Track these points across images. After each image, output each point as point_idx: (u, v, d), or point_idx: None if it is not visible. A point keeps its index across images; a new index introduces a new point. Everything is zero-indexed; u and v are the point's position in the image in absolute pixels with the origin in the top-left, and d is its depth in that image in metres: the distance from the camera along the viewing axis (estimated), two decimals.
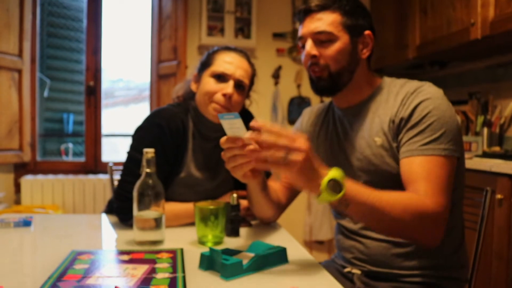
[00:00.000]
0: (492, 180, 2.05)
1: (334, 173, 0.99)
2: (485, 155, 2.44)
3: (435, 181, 1.09)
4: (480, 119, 2.80)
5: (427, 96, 1.17)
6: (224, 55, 1.45)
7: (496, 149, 2.59)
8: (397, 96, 1.24)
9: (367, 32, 1.29)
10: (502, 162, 2.07)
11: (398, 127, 1.20)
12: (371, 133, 1.25)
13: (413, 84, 1.24)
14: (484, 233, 1.38)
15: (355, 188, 1.02)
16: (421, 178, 1.10)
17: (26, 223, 1.37)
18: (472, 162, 2.20)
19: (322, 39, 1.24)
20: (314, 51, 1.24)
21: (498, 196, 2.01)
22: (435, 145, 1.12)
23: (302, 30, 1.28)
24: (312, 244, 3.75)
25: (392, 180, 1.20)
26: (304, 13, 1.28)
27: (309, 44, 1.25)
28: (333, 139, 1.37)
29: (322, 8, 1.25)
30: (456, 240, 1.26)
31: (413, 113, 1.17)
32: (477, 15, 2.41)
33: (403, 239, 1.17)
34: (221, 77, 1.42)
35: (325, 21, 1.24)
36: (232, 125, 1.03)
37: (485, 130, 2.70)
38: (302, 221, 3.74)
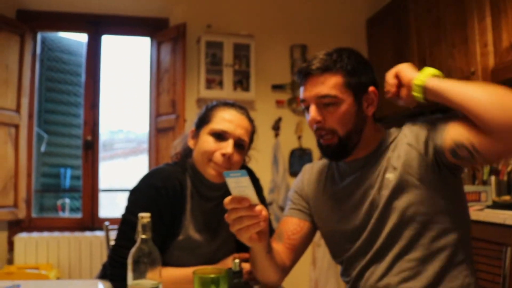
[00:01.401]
0: (507, 232, 1.96)
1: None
2: (495, 205, 2.37)
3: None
4: (487, 168, 2.74)
5: (408, 123, 1.25)
6: (223, 112, 1.39)
7: (506, 198, 2.51)
8: (401, 140, 1.24)
9: (371, 88, 1.26)
10: None
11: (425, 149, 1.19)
12: (381, 174, 1.22)
13: (411, 124, 1.27)
14: None
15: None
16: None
17: None
18: (484, 214, 2.13)
19: (326, 102, 1.20)
20: (318, 117, 1.21)
21: None
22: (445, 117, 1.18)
23: (304, 93, 1.24)
24: None
25: (404, 226, 1.18)
26: (304, 75, 1.24)
27: (313, 110, 1.21)
28: (340, 193, 1.32)
29: (323, 70, 1.21)
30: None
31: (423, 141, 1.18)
32: (477, 64, 2.40)
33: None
34: (220, 136, 1.36)
35: (328, 84, 1.20)
36: (238, 184, 0.98)
37: (493, 178, 2.63)
38: (307, 276, 3.60)
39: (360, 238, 1.24)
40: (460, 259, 1.18)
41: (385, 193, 1.19)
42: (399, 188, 1.18)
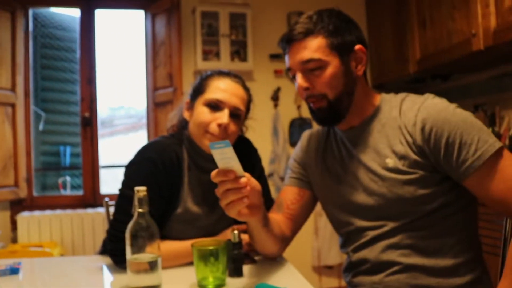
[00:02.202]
0: None
1: None
2: None
3: None
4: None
5: (436, 112, 1.11)
6: (217, 81, 1.36)
7: None
8: (402, 114, 1.17)
9: (357, 47, 1.20)
10: None
11: (422, 152, 1.12)
12: (381, 154, 1.18)
13: (416, 99, 1.18)
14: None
15: None
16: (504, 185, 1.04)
17: (14, 271, 1.27)
18: None
19: (311, 67, 1.17)
20: (306, 84, 1.18)
21: None
22: (483, 147, 1.05)
23: (289, 61, 1.21)
24: (321, 269, 3.63)
25: (403, 202, 1.14)
26: (287, 43, 1.20)
27: (299, 77, 1.18)
28: (336, 164, 1.29)
29: (304, 35, 1.17)
30: (477, 268, 1.16)
31: (438, 136, 1.09)
32: (478, 26, 2.34)
33: None
34: (215, 106, 1.32)
35: (310, 48, 1.16)
36: (223, 155, 0.96)
37: None
38: (309, 246, 3.62)
39: (360, 213, 1.22)
40: (464, 235, 1.16)
41: (386, 173, 1.16)
42: (398, 172, 1.14)
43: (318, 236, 3.60)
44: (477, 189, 1.08)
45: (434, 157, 1.11)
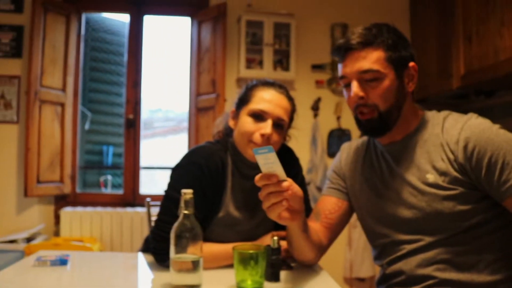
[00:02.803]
0: None
1: None
2: None
3: None
4: None
5: (483, 134, 1.12)
6: (262, 92, 1.39)
7: None
8: (444, 132, 1.19)
9: (411, 64, 1.23)
10: None
11: (463, 169, 1.13)
12: (421, 169, 1.19)
13: (459, 118, 1.20)
14: None
15: None
16: None
17: (63, 262, 1.34)
18: None
19: (368, 78, 1.18)
20: (361, 93, 1.18)
21: None
22: None
23: (344, 69, 1.22)
24: (352, 281, 3.60)
25: (441, 218, 1.14)
26: (345, 51, 1.21)
27: (355, 85, 1.19)
28: (376, 177, 1.31)
29: (364, 44, 1.18)
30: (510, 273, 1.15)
31: (480, 155, 1.11)
32: None
33: None
34: (259, 116, 1.36)
35: (370, 59, 1.17)
36: (267, 160, 1.00)
37: None
38: (342, 257, 3.60)
39: (397, 226, 1.23)
40: (502, 253, 1.16)
41: (426, 188, 1.17)
42: (438, 187, 1.16)
43: (351, 248, 3.58)
44: None
45: (475, 175, 1.12)
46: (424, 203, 1.17)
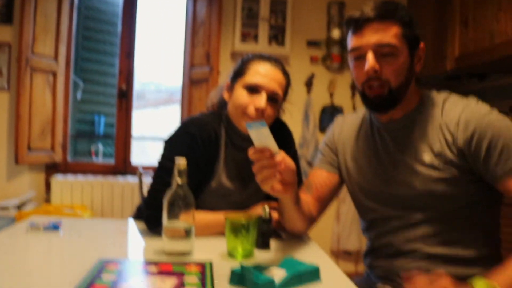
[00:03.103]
0: None
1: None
2: None
3: None
4: None
5: (484, 118, 1.13)
6: (258, 65, 1.39)
7: None
8: (445, 113, 1.18)
9: (421, 44, 1.22)
10: None
11: (461, 153, 1.14)
12: (418, 149, 1.20)
13: (459, 101, 1.19)
14: None
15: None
16: None
17: (55, 228, 1.36)
18: None
19: (385, 52, 1.15)
20: (377, 66, 1.15)
21: None
22: None
23: (359, 40, 1.17)
24: (339, 254, 3.68)
25: (433, 197, 1.16)
26: (363, 21, 1.16)
27: (371, 58, 1.15)
28: (372, 152, 1.31)
29: (382, 17, 1.14)
30: (495, 259, 1.19)
31: (480, 139, 1.11)
32: None
33: None
34: (254, 89, 1.36)
35: (389, 32, 1.14)
36: (260, 135, 1.01)
37: None
38: (330, 230, 3.67)
39: (388, 202, 1.25)
40: (487, 230, 1.20)
41: (421, 168, 1.18)
42: (433, 168, 1.17)
43: (339, 222, 3.64)
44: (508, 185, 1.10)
45: (473, 158, 1.13)
46: (418, 182, 1.18)
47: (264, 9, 3.44)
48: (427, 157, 1.17)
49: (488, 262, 1.17)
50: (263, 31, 3.45)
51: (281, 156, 1.06)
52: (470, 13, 2.82)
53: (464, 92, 1.24)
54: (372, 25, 1.15)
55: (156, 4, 4.00)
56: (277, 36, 3.55)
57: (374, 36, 1.15)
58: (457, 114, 1.16)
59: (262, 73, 1.37)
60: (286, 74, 1.44)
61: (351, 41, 1.20)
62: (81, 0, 3.66)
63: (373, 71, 1.15)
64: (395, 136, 1.26)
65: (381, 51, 1.15)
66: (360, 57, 1.18)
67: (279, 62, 1.44)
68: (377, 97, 1.18)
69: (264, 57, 1.43)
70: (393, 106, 1.20)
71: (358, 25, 1.17)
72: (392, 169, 1.24)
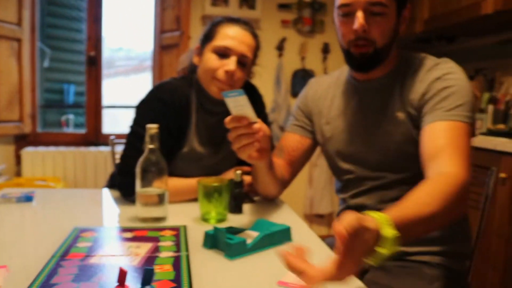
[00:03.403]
0: (496, 158, 2.04)
1: (386, 242, 0.92)
2: (490, 132, 2.42)
3: (462, 150, 1.04)
4: (486, 96, 2.77)
5: (448, 70, 1.15)
6: (227, 29, 1.39)
7: (501, 126, 2.56)
8: (416, 73, 1.20)
9: (408, 6, 1.21)
10: (507, 141, 2.04)
11: (420, 103, 1.16)
12: (393, 109, 1.21)
13: (432, 60, 1.21)
14: (488, 212, 1.38)
15: (404, 224, 0.93)
16: (447, 147, 1.04)
17: (28, 199, 1.35)
18: (477, 140, 2.18)
19: (376, 11, 1.13)
20: (366, 25, 1.13)
21: (502, 175, 2.00)
22: (459, 111, 1.09)
23: None
24: (312, 218, 3.77)
25: (405, 159, 1.19)
26: None
27: (361, 16, 1.12)
28: (348, 113, 1.31)
29: None
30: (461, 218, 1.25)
31: (435, 85, 1.14)
32: None
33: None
34: (223, 53, 1.36)
35: None
36: (237, 103, 1.01)
37: (491, 107, 2.66)
38: (303, 194, 3.74)
39: (362, 163, 1.27)
40: None
41: (394, 128, 1.20)
42: (405, 128, 1.19)
43: (311, 186, 3.71)
44: (425, 134, 1.11)
45: (427, 96, 1.15)
46: (391, 143, 1.20)
47: None
48: (401, 116, 1.19)
49: (459, 222, 1.23)
50: None
51: (259, 124, 1.06)
52: None
53: (433, 54, 1.26)
54: None
55: None
56: None
57: None
58: (425, 71, 1.18)
59: (231, 36, 1.37)
60: (255, 37, 1.44)
61: None
62: None
63: (362, 30, 1.14)
64: (371, 96, 1.26)
65: (372, 10, 1.13)
66: (349, 14, 1.16)
67: (248, 25, 1.43)
68: (362, 55, 1.18)
69: (233, 20, 1.42)
70: (376, 66, 1.21)
71: None
72: (369, 130, 1.25)
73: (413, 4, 3.08)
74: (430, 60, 1.22)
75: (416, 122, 1.17)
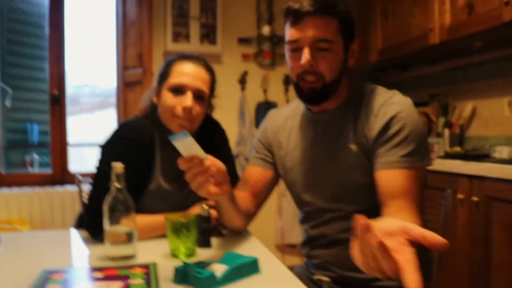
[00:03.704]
0: (453, 180, 2.13)
1: None
2: (447, 156, 2.53)
3: (414, 199, 1.13)
4: (441, 120, 2.90)
5: (400, 108, 1.19)
6: (180, 66, 1.43)
7: (457, 149, 2.68)
8: (369, 106, 1.24)
9: (357, 40, 1.27)
10: (462, 163, 2.14)
11: (375, 141, 1.20)
12: (346, 141, 1.25)
13: (383, 93, 1.25)
14: (448, 232, 1.44)
15: None
16: (403, 196, 1.12)
17: None
18: (435, 163, 2.27)
19: (322, 47, 1.18)
20: (313, 60, 1.18)
21: (459, 196, 2.09)
22: (412, 157, 1.15)
23: (297, 33, 1.19)
24: (284, 248, 3.79)
25: (360, 189, 1.24)
26: (302, 14, 1.17)
27: (307, 52, 1.18)
28: (305, 144, 1.36)
29: (324, 12, 1.17)
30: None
31: (388, 126, 1.18)
32: (434, 21, 2.50)
33: None
34: (178, 90, 1.40)
35: (327, 27, 1.17)
36: (185, 144, 1.04)
37: (446, 131, 2.80)
38: (273, 225, 3.77)
39: (320, 195, 1.32)
40: None
41: (347, 158, 1.24)
42: (358, 160, 1.23)
43: (281, 216, 3.74)
44: (380, 177, 1.18)
45: (378, 145, 1.20)
46: (344, 173, 1.25)
47: (194, 8, 3.48)
48: (354, 147, 1.23)
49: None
50: (194, 30, 3.49)
51: (210, 160, 1.10)
52: (389, 7, 3.00)
53: (389, 82, 1.33)
54: (311, 19, 1.17)
55: (84, 4, 3.91)
56: (208, 34, 3.59)
57: (313, 30, 1.17)
58: (378, 105, 1.22)
59: (185, 73, 1.41)
60: (210, 70, 1.47)
61: (289, 33, 1.22)
62: (3, 1, 3.51)
63: (309, 65, 1.18)
64: (326, 127, 1.31)
65: (318, 46, 1.18)
66: (297, 49, 1.21)
67: (201, 59, 1.47)
68: (311, 90, 1.22)
69: (186, 57, 1.46)
70: (325, 99, 1.25)
71: (297, 17, 1.18)
72: (324, 162, 1.30)
73: (368, 35, 3.24)
74: (381, 92, 1.26)
75: (368, 155, 1.22)
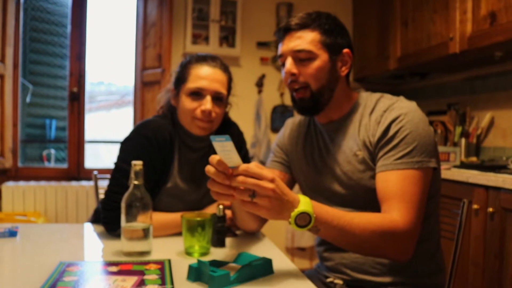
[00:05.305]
0: (469, 190, 2.12)
1: (302, 205, 1.00)
2: (462, 165, 2.51)
3: (408, 199, 1.14)
4: (458, 129, 2.88)
5: (400, 112, 1.22)
6: (197, 70, 1.44)
7: (473, 159, 2.66)
8: (373, 113, 1.29)
9: (345, 50, 1.32)
10: (478, 174, 2.13)
11: (376, 146, 1.24)
12: (353, 148, 1.29)
13: (386, 100, 1.29)
14: (461, 242, 1.44)
15: (325, 215, 1.04)
16: (395, 195, 1.14)
17: (12, 234, 1.37)
18: (450, 173, 2.26)
19: (302, 57, 1.27)
20: (294, 69, 1.27)
21: (475, 206, 2.08)
22: (408, 158, 1.17)
23: (281, 48, 1.31)
24: (294, 251, 3.79)
25: (370, 194, 1.25)
26: (284, 31, 1.30)
27: (289, 62, 1.27)
28: (315, 153, 1.41)
29: (301, 26, 1.27)
30: (432, 246, 1.31)
31: (388, 130, 1.22)
32: (455, 30, 2.49)
33: (374, 256, 1.22)
34: (197, 94, 1.42)
35: (305, 39, 1.26)
36: (224, 148, 1.03)
37: (463, 140, 2.77)
38: (284, 228, 3.77)
39: (333, 200, 1.33)
40: (427, 222, 1.27)
41: (356, 165, 1.27)
42: (366, 166, 1.26)
43: None
44: (378, 181, 1.21)
45: (379, 146, 1.23)
46: (354, 180, 1.27)
47: (214, 11, 3.50)
48: (361, 154, 1.27)
49: (433, 254, 1.29)
50: (214, 32, 3.51)
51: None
52: (409, 15, 3.00)
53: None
54: (292, 34, 1.28)
55: (106, 5, 3.97)
56: (227, 37, 3.62)
57: (292, 43, 1.28)
58: (381, 112, 1.26)
59: (203, 76, 1.43)
60: (226, 70, 1.49)
61: (278, 49, 1.34)
62: (28, 1, 3.58)
63: (290, 74, 1.28)
64: (333, 137, 1.35)
65: (299, 56, 1.27)
66: (284, 62, 1.31)
67: (217, 60, 1.49)
68: (301, 100, 1.30)
69: (200, 59, 1.47)
70: (318, 109, 1.31)
71: (280, 34, 1.32)
72: (332, 169, 1.33)
73: (387, 43, 3.23)
74: (386, 99, 1.30)
75: (373, 161, 1.26)
